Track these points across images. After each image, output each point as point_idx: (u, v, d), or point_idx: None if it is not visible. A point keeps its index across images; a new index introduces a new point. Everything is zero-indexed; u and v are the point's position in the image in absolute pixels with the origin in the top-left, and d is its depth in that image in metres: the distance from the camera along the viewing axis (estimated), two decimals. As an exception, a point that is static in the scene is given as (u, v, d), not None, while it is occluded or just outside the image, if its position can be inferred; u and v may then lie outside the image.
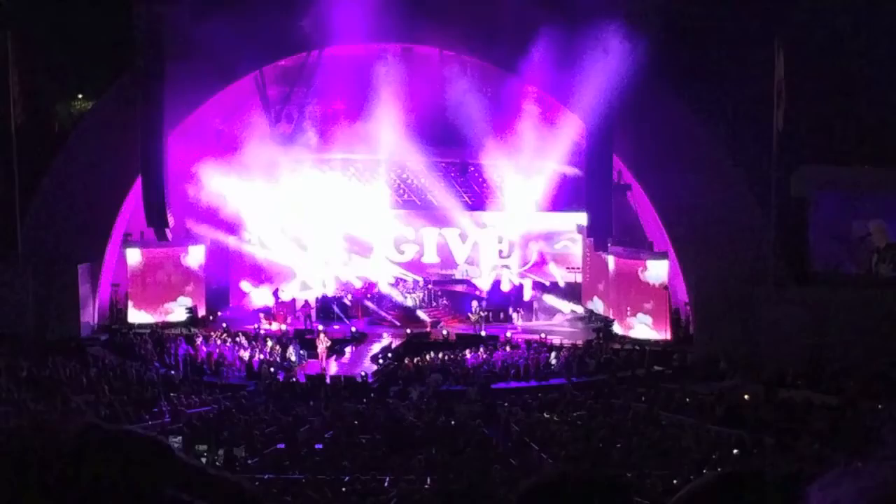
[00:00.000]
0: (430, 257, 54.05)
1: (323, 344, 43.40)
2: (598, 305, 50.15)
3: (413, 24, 45.00)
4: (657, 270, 45.50)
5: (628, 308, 46.31)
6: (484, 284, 51.97)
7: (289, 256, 52.42)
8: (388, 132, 47.48)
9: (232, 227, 51.02)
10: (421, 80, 46.95)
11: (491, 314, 49.46)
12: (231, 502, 2.12)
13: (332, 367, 43.05)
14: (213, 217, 49.40)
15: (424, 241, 54.01)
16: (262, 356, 43.13)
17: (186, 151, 46.81)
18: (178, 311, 48.79)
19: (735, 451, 27.87)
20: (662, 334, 45.24)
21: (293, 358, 43.83)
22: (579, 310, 51.37)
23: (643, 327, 45.82)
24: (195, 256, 49.66)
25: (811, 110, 41.93)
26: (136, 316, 48.33)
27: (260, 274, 52.66)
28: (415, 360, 42.99)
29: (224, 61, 43.99)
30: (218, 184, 48.01)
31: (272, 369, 42.13)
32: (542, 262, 53.50)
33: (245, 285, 52.54)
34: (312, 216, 52.21)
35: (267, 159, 48.97)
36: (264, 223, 51.35)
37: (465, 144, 48.21)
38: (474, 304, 49.17)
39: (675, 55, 43.04)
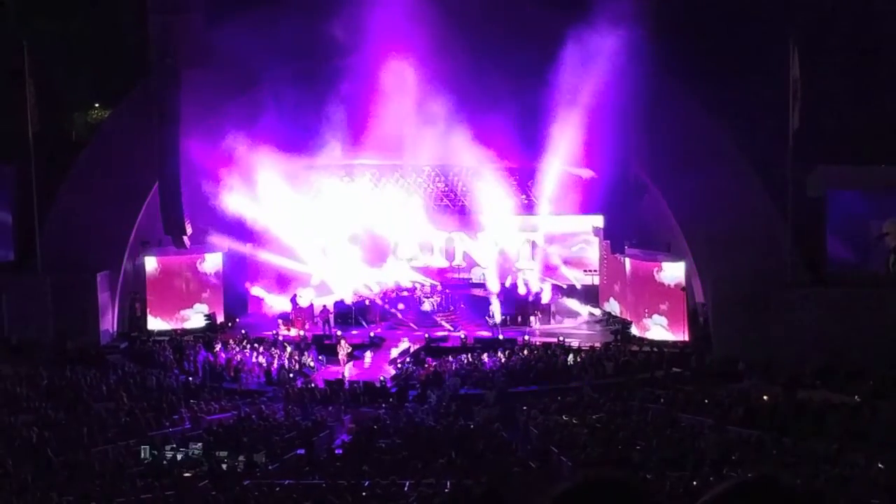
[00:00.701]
0: (452, 261, 54.17)
1: (344, 350, 43.38)
2: (614, 307, 50.18)
3: (440, 31, 44.91)
4: (672, 271, 45.48)
5: (645, 310, 46.28)
6: (495, 287, 51.86)
7: (311, 261, 52.41)
8: (414, 136, 47.50)
9: (251, 234, 51.01)
10: (443, 84, 46.75)
11: (508, 318, 49.47)
12: None
13: (351, 372, 43.04)
14: (231, 224, 49.39)
15: (452, 245, 54.28)
16: (280, 362, 43.22)
17: (205, 158, 46.80)
18: (195, 318, 48.89)
19: (754, 452, 27.86)
20: (679, 335, 45.18)
21: (311, 364, 43.91)
22: (597, 312, 51.35)
23: (659, 329, 45.79)
24: (213, 263, 49.72)
25: (827, 110, 41.87)
26: (154, 323, 48.44)
27: (277, 280, 52.67)
28: (433, 364, 43.02)
29: (242, 68, 44.04)
30: (239, 190, 48.04)
31: (291, 375, 42.22)
32: (553, 267, 53.52)
33: (258, 291, 52.53)
34: (336, 221, 52.34)
35: (289, 166, 49.06)
36: (287, 228, 51.21)
37: (489, 148, 48.04)
38: (492, 307, 49.20)
39: (691, 56, 43.01)
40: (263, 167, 48.25)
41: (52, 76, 46.68)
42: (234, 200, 48.02)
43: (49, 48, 46.49)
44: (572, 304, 51.79)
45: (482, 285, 52.59)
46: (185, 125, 44.76)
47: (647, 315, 46.29)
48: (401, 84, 45.90)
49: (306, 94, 46.92)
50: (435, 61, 45.31)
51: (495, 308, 49.26)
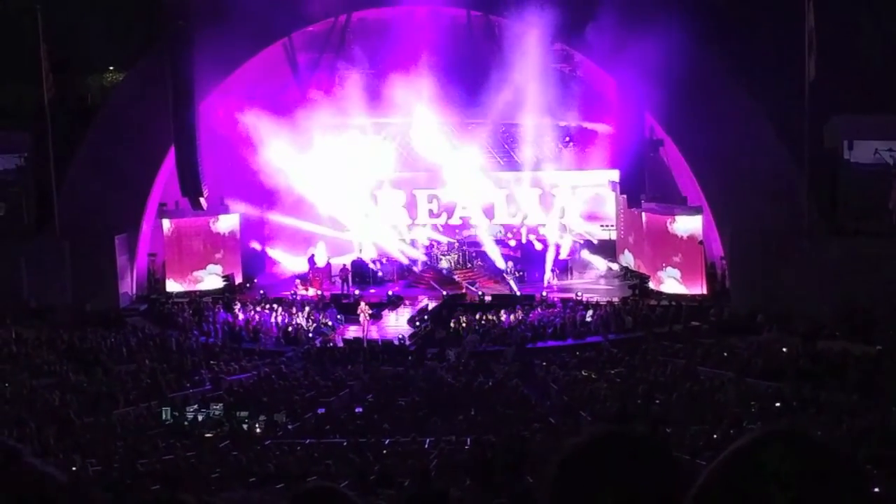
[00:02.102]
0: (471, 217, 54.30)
1: (364, 313, 43.26)
2: (629, 260, 50.14)
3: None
4: (685, 223, 45.39)
5: (663, 263, 46.19)
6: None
7: (333, 220, 52.66)
8: (414, 93, 47.45)
9: (268, 193, 51.08)
10: (447, 42, 46.60)
11: (525, 274, 49.46)
12: None
13: (370, 332, 43.08)
14: (249, 184, 49.52)
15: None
16: (299, 322, 43.33)
17: (221, 118, 46.82)
18: (212, 279, 48.99)
19: (775, 404, 27.86)
20: (696, 289, 45.12)
21: (330, 323, 44.00)
22: (615, 267, 51.32)
23: (672, 281, 45.74)
24: (229, 224, 49.73)
25: (842, 59, 41.59)
26: (170, 285, 48.62)
27: (294, 239, 52.74)
28: (452, 321, 43.07)
29: (254, 27, 44.01)
30: (259, 151, 48.17)
31: (310, 335, 42.33)
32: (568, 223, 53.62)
33: (275, 252, 52.67)
34: (355, 178, 52.60)
35: (305, 124, 49.09)
36: (307, 187, 51.25)
37: (496, 106, 47.93)
38: (509, 264, 49.19)
39: (705, 9, 42.79)
40: (283, 126, 48.28)
41: (65, 40, 46.54)
42: (253, 161, 48.11)
43: (62, 12, 46.35)
44: (591, 258, 51.75)
45: (500, 242, 52.43)
46: (200, 84, 44.69)
47: (663, 268, 46.25)
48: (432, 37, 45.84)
49: (327, 49, 46.93)
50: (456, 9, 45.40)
51: (511, 265, 49.28)
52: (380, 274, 50.69)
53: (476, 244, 52.39)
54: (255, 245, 52.19)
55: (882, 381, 29.13)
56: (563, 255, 50.85)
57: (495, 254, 50.35)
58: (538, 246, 51.28)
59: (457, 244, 52.13)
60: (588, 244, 52.55)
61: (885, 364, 31.36)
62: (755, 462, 2.31)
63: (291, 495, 2.87)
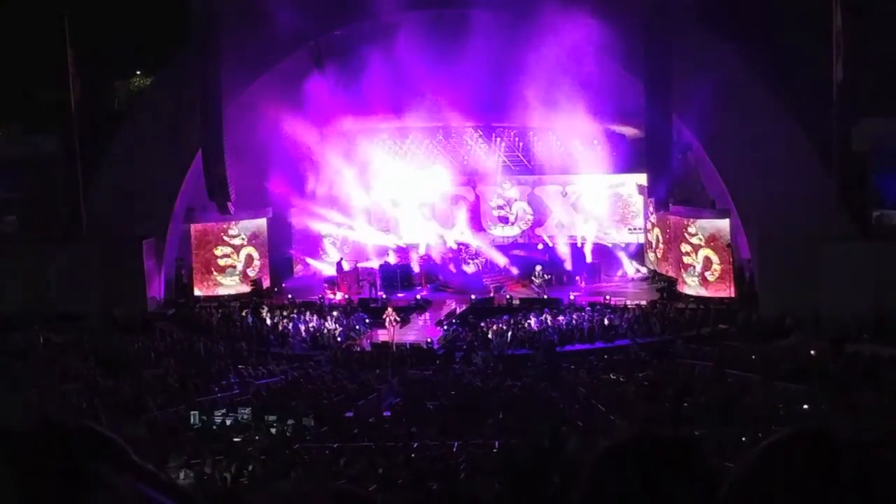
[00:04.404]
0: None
1: (390, 318, 43.21)
2: (655, 263, 50.19)
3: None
4: (705, 226, 45.58)
5: (690, 267, 46.12)
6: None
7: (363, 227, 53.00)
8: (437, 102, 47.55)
9: (296, 199, 51.44)
10: (471, 45, 46.53)
11: (554, 277, 49.43)
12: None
13: (398, 336, 43.10)
14: (277, 189, 49.86)
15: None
16: (327, 326, 43.40)
17: (249, 123, 46.92)
18: (241, 284, 49.13)
19: (804, 406, 27.74)
20: (722, 292, 45.07)
21: (358, 327, 44.05)
22: (643, 270, 51.29)
23: (696, 284, 45.81)
24: (258, 229, 49.84)
25: (872, 61, 41.43)
26: (199, 290, 48.73)
27: (317, 245, 53.11)
28: (481, 325, 43.10)
29: (282, 31, 44.11)
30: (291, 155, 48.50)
31: (338, 339, 42.38)
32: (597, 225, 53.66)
33: (310, 260, 53.05)
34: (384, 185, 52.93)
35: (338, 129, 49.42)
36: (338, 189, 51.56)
37: (524, 108, 47.90)
38: (537, 268, 49.15)
39: (733, 10, 42.70)
40: (314, 132, 48.59)
41: (92, 45, 46.76)
42: (286, 166, 48.49)
43: (89, 16, 46.55)
44: (623, 261, 51.81)
45: (527, 245, 52.49)
46: (228, 88, 44.78)
47: (685, 271, 46.29)
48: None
49: (354, 54, 47.01)
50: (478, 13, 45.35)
51: (540, 268, 49.27)
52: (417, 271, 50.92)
53: (503, 248, 52.44)
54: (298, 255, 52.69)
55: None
56: (589, 258, 50.94)
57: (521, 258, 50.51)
58: (555, 246, 51.40)
59: (484, 248, 52.12)
60: (616, 248, 52.50)
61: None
62: (783, 461, 2.32)
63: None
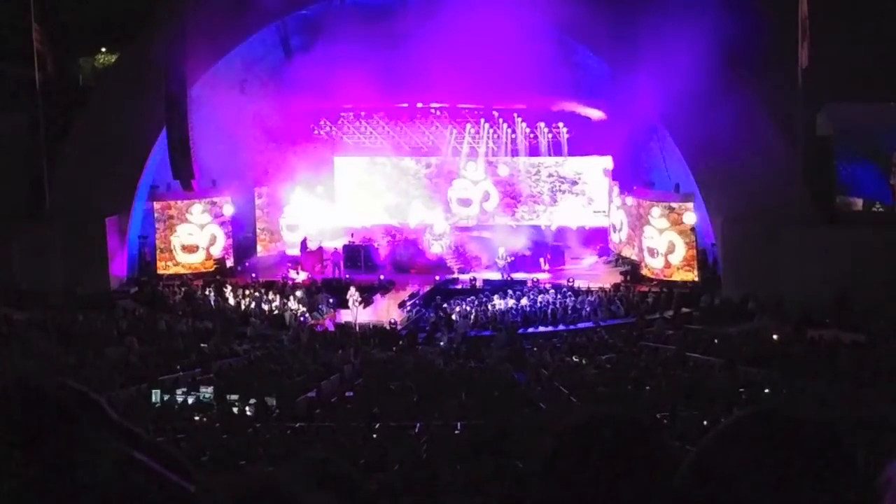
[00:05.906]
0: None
1: (353, 298, 43.17)
2: (624, 250, 50.21)
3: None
4: (667, 211, 45.73)
5: (655, 250, 46.22)
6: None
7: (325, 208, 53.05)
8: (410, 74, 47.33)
9: (260, 178, 51.35)
10: (434, 25, 46.31)
11: (517, 259, 49.40)
12: (161, 461, 2.27)
13: (361, 316, 43.03)
14: (241, 167, 49.75)
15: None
16: (290, 306, 43.30)
17: (214, 101, 46.65)
18: (204, 262, 48.97)
19: (766, 390, 27.89)
20: (685, 275, 45.22)
21: (321, 307, 43.96)
22: (607, 254, 51.33)
23: (659, 267, 45.95)
24: (222, 207, 49.65)
25: (836, 48, 41.56)
26: (163, 267, 48.54)
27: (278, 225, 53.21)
28: (443, 306, 43.14)
29: (248, 9, 43.92)
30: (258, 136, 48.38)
31: (301, 319, 42.30)
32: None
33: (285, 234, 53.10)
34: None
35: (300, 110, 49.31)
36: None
37: (488, 90, 47.84)
38: (500, 249, 49.07)
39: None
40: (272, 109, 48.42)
41: (57, 22, 46.44)
42: (250, 145, 48.32)
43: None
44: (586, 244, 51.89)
45: (490, 228, 52.47)
46: (192, 66, 44.50)
47: (649, 255, 46.40)
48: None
49: (321, 33, 46.86)
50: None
51: (504, 250, 49.23)
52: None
53: (468, 229, 52.43)
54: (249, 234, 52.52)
55: (873, 371, 29.18)
56: (552, 240, 51.00)
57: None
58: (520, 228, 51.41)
59: (449, 229, 52.02)
60: (580, 231, 52.50)
61: (876, 352, 31.42)
62: (739, 441, 2.32)
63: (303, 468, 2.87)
